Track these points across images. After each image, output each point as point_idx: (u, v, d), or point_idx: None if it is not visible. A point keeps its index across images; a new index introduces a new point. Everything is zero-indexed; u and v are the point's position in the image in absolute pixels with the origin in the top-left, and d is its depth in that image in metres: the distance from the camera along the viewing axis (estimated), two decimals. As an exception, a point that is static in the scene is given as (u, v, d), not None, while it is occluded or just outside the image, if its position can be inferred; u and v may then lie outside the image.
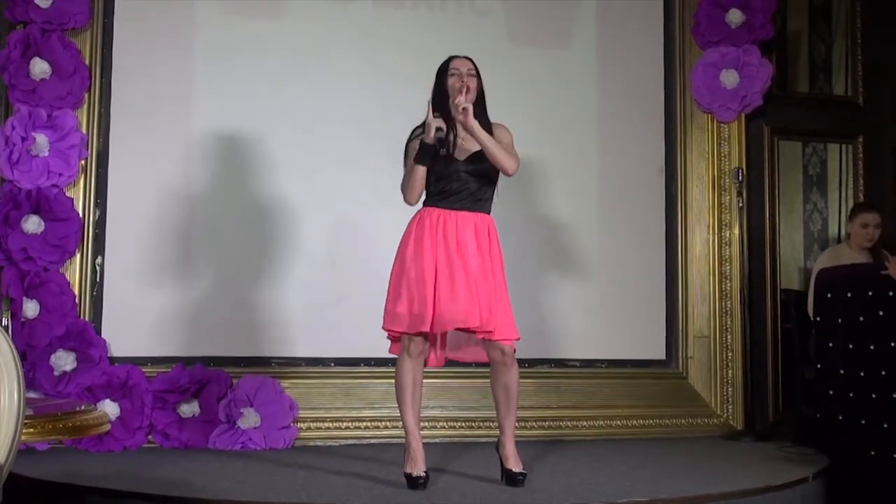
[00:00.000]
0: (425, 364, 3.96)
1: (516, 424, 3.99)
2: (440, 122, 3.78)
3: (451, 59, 3.96)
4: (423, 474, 3.80)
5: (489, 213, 3.92)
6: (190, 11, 5.25)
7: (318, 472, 4.17)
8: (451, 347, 4.01)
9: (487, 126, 3.89)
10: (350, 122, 5.35)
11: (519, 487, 3.80)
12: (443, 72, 3.94)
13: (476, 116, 3.81)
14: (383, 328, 3.88)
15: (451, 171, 3.83)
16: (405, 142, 3.97)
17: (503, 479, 3.88)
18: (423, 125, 3.85)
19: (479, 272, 3.78)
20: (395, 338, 3.94)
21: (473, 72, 3.90)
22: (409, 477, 3.80)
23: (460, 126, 3.85)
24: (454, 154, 3.86)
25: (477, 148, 3.84)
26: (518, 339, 3.86)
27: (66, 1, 4.93)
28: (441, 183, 3.85)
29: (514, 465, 3.87)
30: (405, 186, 3.87)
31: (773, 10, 5.78)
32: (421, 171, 3.81)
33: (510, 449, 3.89)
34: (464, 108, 3.76)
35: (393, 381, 5.11)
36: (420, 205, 3.93)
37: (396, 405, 5.04)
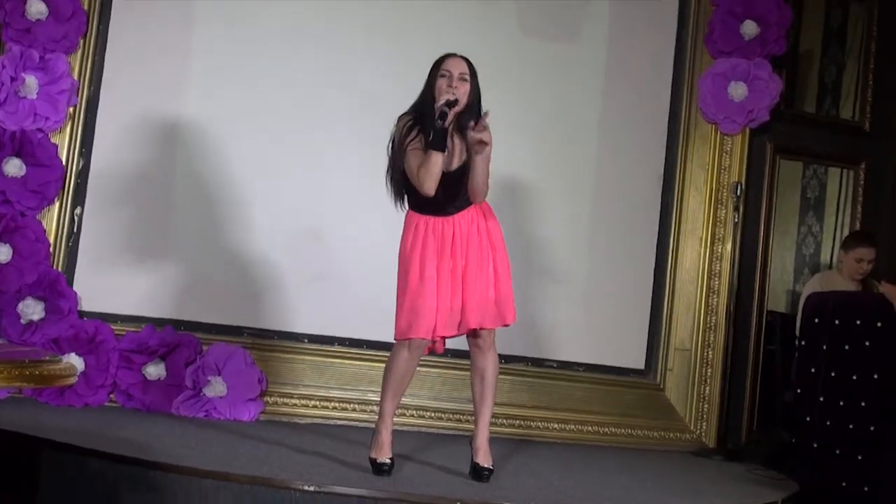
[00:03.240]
0: (434, 352, 3.99)
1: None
2: (447, 98, 3.71)
3: (445, 57, 3.86)
4: (388, 461, 3.83)
5: (471, 205, 3.88)
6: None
7: (282, 448, 4.19)
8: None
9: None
10: (348, 97, 5.33)
11: (484, 483, 3.83)
12: (434, 69, 3.86)
13: (465, 122, 3.76)
14: (403, 338, 3.81)
15: (444, 177, 3.77)
16: (391, 132, 3.91)
17: (470, 472, 3.90)
18: (409, 114, 3.84)
19: (484, 268, 3.82)
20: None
21: (466, 76, 3.81)
22: (374, 462, 3.83)
23: (462, 139, 3.79)
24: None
25: (461, 162, 3.80)
26: (505, 324, 3.86)
27: (70, -57, 4.91)
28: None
29: (483, 460, 3.89)
30: (423, 178, 3.71)
31: (788, 25, 5.79)
32: (437, 158, 3.68)
33: (481, 442, 3.92)
34: (480, 140, 3.66)
35: (365, 363, 5.18)
36: (407, 207, 3.94)
37: (367, 388, 5.10)
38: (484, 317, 3.82)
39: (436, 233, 3.82)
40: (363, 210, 5.17)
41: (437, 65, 3.85)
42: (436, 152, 3.69)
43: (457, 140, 3.82)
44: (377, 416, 3.96)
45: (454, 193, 3.82)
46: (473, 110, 3.81)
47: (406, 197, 3.93)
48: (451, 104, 3.70)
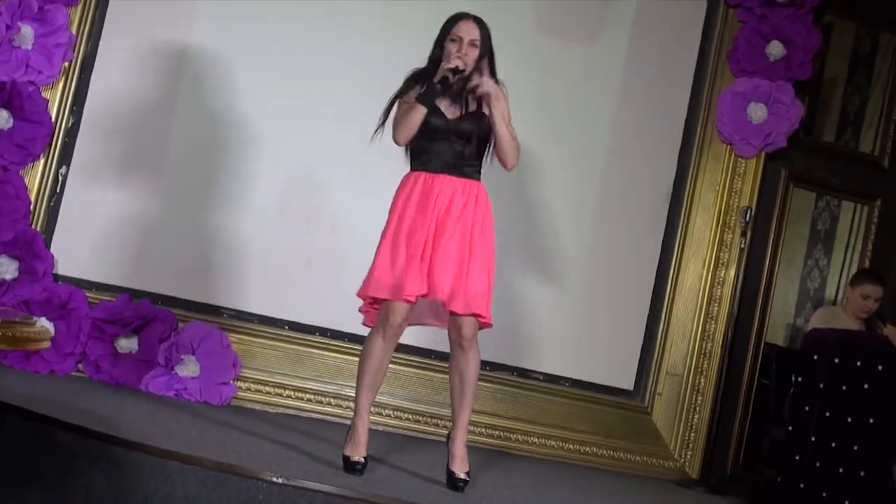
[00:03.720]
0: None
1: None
2: (457, 64, 3.69)
3: (457, 19, 3.81)
4: (362, 460, 3.75)
5: (478, 181, 3.84)
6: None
7: (252, 436, 4.12)
8: (429, 315, 3.93)
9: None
10: (349, 84, 5.26)
11: (458, 493, 3.77)
12: (445, 31, 3.82)
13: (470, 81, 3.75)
14: (364, 294, 3.77)
15: (437, 127, 3.75)
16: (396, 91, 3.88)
17: (446, 480, 3.83)
18: (415, 75, 3.82)
19: (457, 242, 3.71)
20: (368, 309, 3.87)
21: (476, 42, 3.76)
22: (346, 460, 3.75)
23: (473, 94, 3.76)
24: (442, 111, 3.77)
25: (472, 108, 3.76)
26: (485, 320, 3.75)
27: None
28: (423, 141, 3.77)
29: (459, 468, 3.82)
30: (397, 124, 3.74)
31: (815, 49, 5.75)
32: (420, 111, 3.69)
33: (458, 447, 3.84)
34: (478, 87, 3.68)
35: (346, 357, 5.12)
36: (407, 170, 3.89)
37: (344, 383, 5.04)
38: (454, 295, 3.68)
39: (424, 188, 3.75)
40: (362, 202, 5.10)
41: (449, 26, 3.81)
42: (420, 105, 3.68)
43: (466, 102, 3.79)
44: (353, 411, 3.89)
45: (453, 151, 3.76)
46: (485, 71, 3.79)
47: (406, 153, 3.89)
48: (455, 71, 3.68)
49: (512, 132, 3.80)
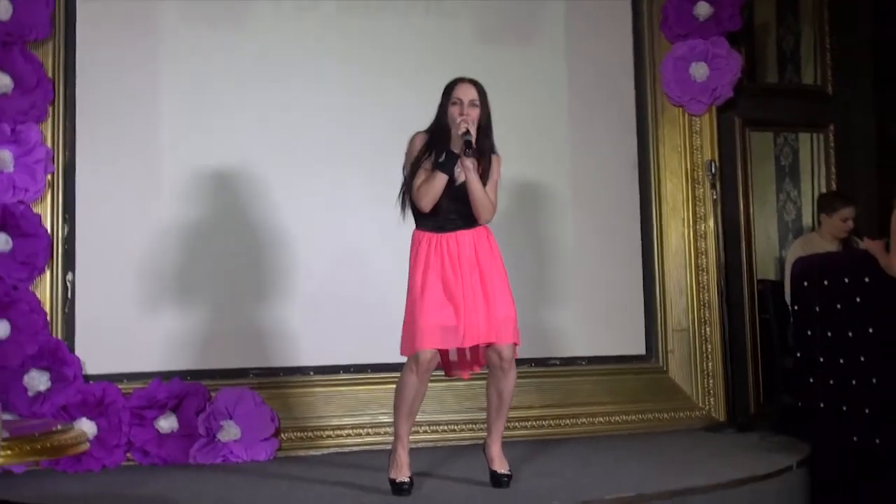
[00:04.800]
0: (462, 377, 4.00)
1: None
2: (467, 128, 3.76)
3: (456, 83, 3.90)
4: (407, 479, 3.80)
5: (478, 225, 3.91)
6: (152, 19, 5.19)
7: (302, 481, 4.15)
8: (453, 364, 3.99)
9: (489, 156, 3.90)
10: (324, 124, 5.32)
11: (504, 488, 3.81)
12: (446, 95, 3.90)
13: (479, 145, 3.82)
14: (412, 350, 3.78)
15: (448, 190, 3.81)
16: (407, 144, 3.93)
17: (490, 480, 3.88)
18: (423, 133, 3.88)
19: (481, 284, 3.80)
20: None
21: (476, 101, 3.84)
22: (393, 483, 3.80)
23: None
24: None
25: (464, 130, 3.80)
26: (517, 343, 3.85)
27: (27, 12, 4.84)
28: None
29: (500, 467, 3.88)
30: (423, 194, 3.79)
31: (741, 1, 5.80)
32: (442, 178, 3.76)
33: (496, 451, 3.91)
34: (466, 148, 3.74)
35: (372, 387, 5.16)
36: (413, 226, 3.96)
37: (377, 411, 5.08)
38: (500, 332, 3.79)
39: (441, 244, 3.82)
40: (355, 235, 5.23)
41: (448, 91, 3.89)
42: (442, 174, 3.75)
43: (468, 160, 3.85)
44: (393, 437, 3.93)
45: (459, 210, 3.83)
46: (486, 134, 3.88)
47: (413, 214, 3.94)
48: (468, 141, 3.74)
49: (492, 196, 3.89)
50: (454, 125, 3.81)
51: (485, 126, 3.88)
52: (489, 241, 3.91)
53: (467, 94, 3.85)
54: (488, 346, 3.83)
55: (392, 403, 3.93)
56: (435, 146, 3.84)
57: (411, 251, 3.90)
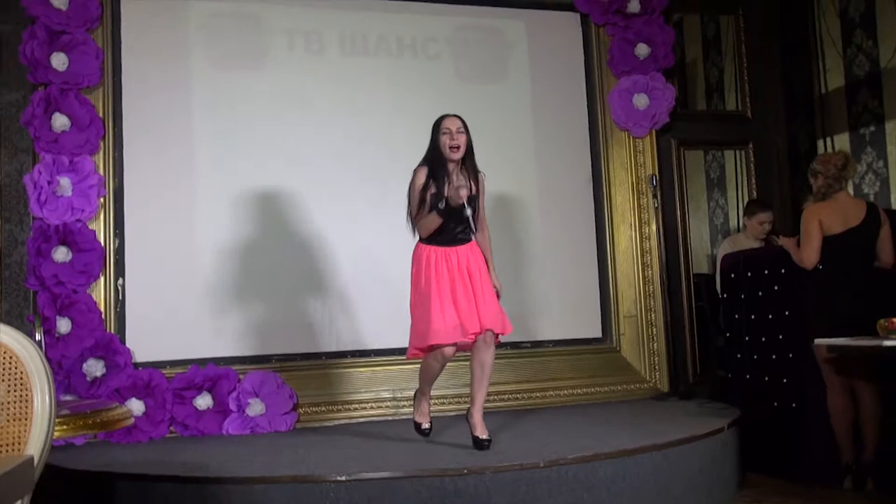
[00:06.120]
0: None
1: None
2: (463, 185, 3.80)
3: (442, 118, 3.95)
4: (428, 425, 4.14)
5: (473, 239, 3.94)
6: (185, 68, 5.16)
7: (317, 448, 4.12)
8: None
9: (475, 173, 3.96)
10: (331, 153, 5.30)
11: (485, 451, 3.77)
12: (435, 130, 3.94)
13: (464, 163, 3.90)
14: (426, 346, 3.83)
15: (446, 217, 3.86)
16: (412, 177, 3.93)
17: (473, 444, 3.84)
18: (423, 166, 3.90)
19: (473, 287, 3.85)
20: (417, 353, 3.95)
21: (462, 130, 3.90)
22: (418, 426, 4.14)
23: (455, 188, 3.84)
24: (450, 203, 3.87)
25: (465, 197, 3.80)
26: (506, 332, 3.89)
27: (80, 64, 4.84)
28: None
29: (481, 433, 3.84)
30: (423, 228, 3.90)
31: (672, 42, 5.80)
32: (437, 220, 3.83)
33: (477, 418, 3.88)
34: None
35: (374, 368, 5.17)
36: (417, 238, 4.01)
37: (379, 389, 5.12)
38: (495, 323, 3.83)
39: (440, 257, 3.88)
40: (360, 241, 5.20)
41: (438, 125, 3.94)
42: (437, 216, 3.82)
43: (461, 178, 3.90)
44: (418, 393, 4.14)
45: (460, 230, 3.88)
46: (469, 155, 3.95)
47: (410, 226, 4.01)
48: (470, 200, 3.81)
49: (484, 216, 4.06)
50: (444, 150, 3.87)
51: (469, 148, 3.93)
52: (476, 251, 3.96)
53: (454, 124, 3.90)
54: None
55: (417, 375, 4.14)
56: (435, 178, 3.87)
57: (417, 262, 3.94)
